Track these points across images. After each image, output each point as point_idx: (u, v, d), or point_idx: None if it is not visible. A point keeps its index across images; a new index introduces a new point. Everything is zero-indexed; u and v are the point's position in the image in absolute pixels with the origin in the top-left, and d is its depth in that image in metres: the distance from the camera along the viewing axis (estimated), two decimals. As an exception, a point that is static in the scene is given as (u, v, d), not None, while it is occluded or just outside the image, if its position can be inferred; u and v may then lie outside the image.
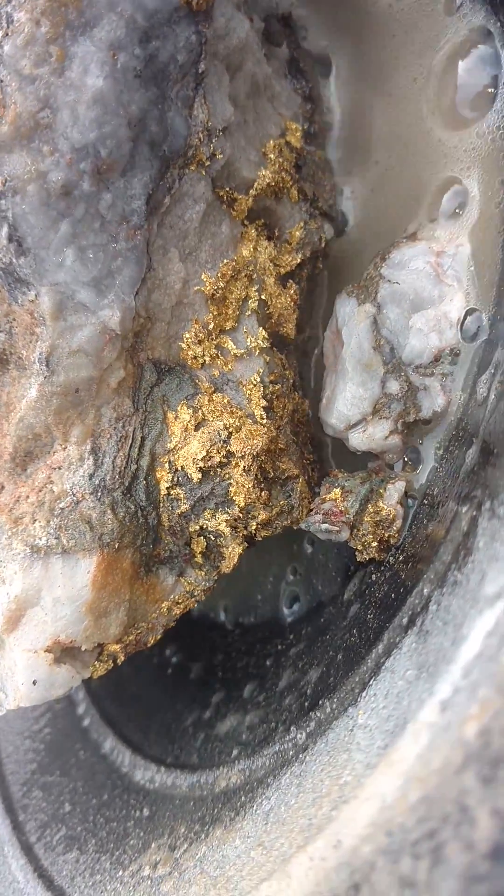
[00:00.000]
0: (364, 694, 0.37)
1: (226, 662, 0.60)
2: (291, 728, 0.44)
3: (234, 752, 0.49)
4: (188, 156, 0.44)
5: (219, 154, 0.44)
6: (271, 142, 0.49)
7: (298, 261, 0.50)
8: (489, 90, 0.46)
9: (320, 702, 0.43)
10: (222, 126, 0.44)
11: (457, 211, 0.47)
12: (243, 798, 0.44)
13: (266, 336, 0.48)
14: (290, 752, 0.42)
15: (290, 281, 0.50)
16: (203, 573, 0.49)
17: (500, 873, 0.22)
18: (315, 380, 0.55)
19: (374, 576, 0.48)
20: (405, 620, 0.38)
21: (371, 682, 0.37)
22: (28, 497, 0.47)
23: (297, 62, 0.54)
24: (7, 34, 0.39)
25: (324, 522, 0.46)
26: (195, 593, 0.49)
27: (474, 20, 0.47)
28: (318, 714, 0.42)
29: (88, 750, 0.62)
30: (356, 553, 0.48)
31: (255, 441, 0.46)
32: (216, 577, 0.49)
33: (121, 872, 0.49)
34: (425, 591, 0.36)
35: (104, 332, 0.45)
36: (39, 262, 0.43)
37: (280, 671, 0.53)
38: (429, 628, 0.34)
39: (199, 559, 0.49)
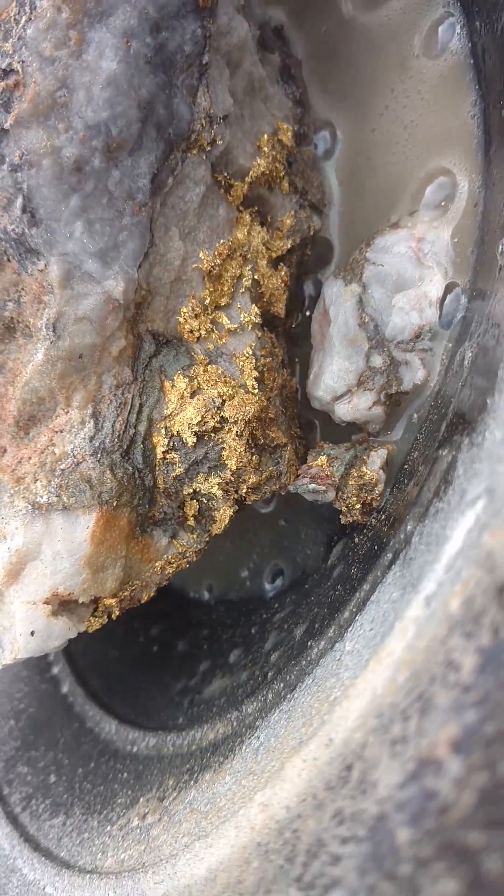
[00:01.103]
0: (350, 629, 0.40)
1: (211, 636, 0.62)
2: (278, 676, 0.47)
3: (222, 708, 0.51)
4: (191, 140, 0.47)
5: (219, 140, 0.48)
6: (265, 136, 0.53)
7: (289, 246, 0.54)
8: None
9: (307, 647, 0.46)
10: (222, 114, 0.48)
11: (441, 203, 0.51)
12: (232, 743, 0.46)
13: (258, 313, 0.51)
14: (281, 694, 0.45)
15: (281, 264, 0.54)
16: (195, 536, 0.52)
17: (484, 682, 0.24)
18: (301, 365, 0.59)
19: (356, 538, 0.51)
20: (388, 557, 0.40)
21: (356, 618, 0.40)
22: (30, 458, 0.50)
23: (289, 69, 0.58)
24: (30, 19, 0.42)
25: (311, 483, 0.49)
26: (187, 555, 0.51)
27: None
28: (305, 658, 0.45)
29: (73, 725, 0.64)
30: (340, 515, 0.50)
31: (247, 408, 0.49)
32: (207, 540, 0.52)
33: (109, 828, 0.51)
34: (408, 528, 0.39)
35: (108, 302, 0.48)
36: (50, 232, 0.46)
37: (266, 635, 0.55)
38: (412, 556, 0.36)
39: (191, 522, 0.52)
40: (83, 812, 0.55)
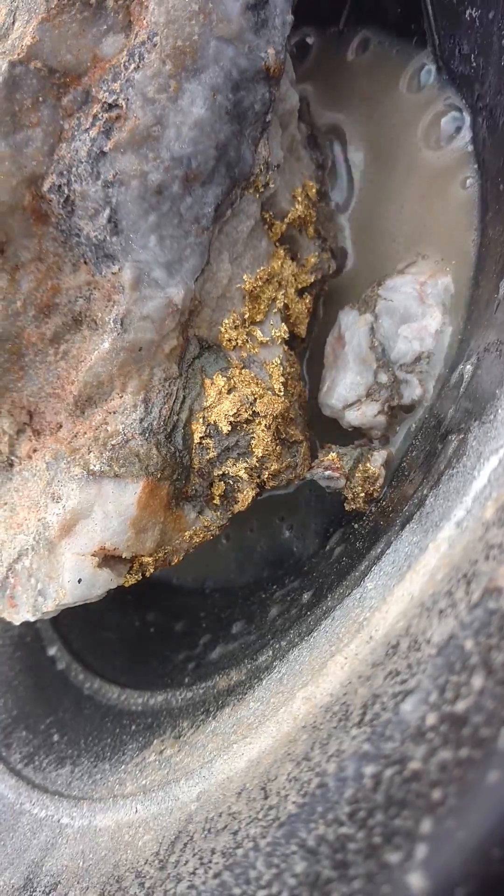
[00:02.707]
0: (368, 575, 0.49)
1: (209, 616, 0.70)
2: (291, 629, 0.55)
3: (232, 662, 0.58)
4: (249, 181, 0.57)
5: (271, 184, 0.58)
6: (298, 188, 0.64)
7: (312, 280, 0.64)
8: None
9: (318, 604, 0.54)
10: (276, 164, 0.58)
11: (439, 259, 0.62)
12: (250, 683, 0.53)
13: (286, 330, 0.61)
14: (296, 639, 0.53)
15: (306, 293, 0.64)
16: (218, 513, 0.60)
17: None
18: (311, 381, 0.69)
19: (356, 525, 0.60)
20: (400, 521, 0.50)
21: (373, 568, 0.49)
22: (85, 433, 0.58)
23: (315, 137, 0.69)
24: (139, 67, 0.52)
25: (326, 470, 0.58)
26: (211, 528, 0.59)
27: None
28: (319, 609, 0.53)
29: (72, 694, 0.69)
30: (345, 503, 0.60)
31: (274, 406, 0.58)
32: (229, 517, 0.60)
33: (123, 766, 0.57)
34: (421, 495, 0.49)
35: (169, 306, 0.57)
36: (128, 242, 0.55)
37: (267, 609, 0.63)
38: (429, 510, 0.46)
39: (216, 501, 0.60)
40: (92, 761, 0.60)
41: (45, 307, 0.57)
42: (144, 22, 0.52)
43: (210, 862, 0.39)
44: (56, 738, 0.65)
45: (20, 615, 0.57)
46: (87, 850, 0.51)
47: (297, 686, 0.45)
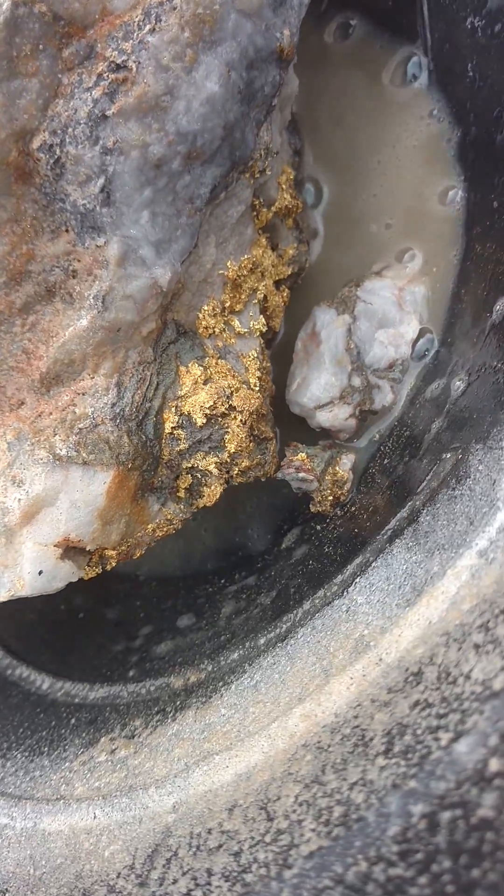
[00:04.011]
0: (352, 587, 0.48)
1: (147, 605, 0.67)
2: (259, 632, 0.54)
3: (187, 661, 0.57)
4: (247, 165, 0.55)
5: (267, 171, 0.56)
6: (283, 176, 0.62)
7: (289, 272, 0.62)
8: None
9: (288, 608, 0.53)
10: (275, 150, 0.56)
11: (418, 267, 0.62)
12: (214, 685, 0.52)
13: (264, 323, 0.59)
14: (268, 645, 0.51)
15: (283, 285, 0.62)
16: (181, 507, 0.58)
17: None
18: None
19: (318, 526, 0.60)
20: (387, 534, 0.49)
21: (357, 580, 0.48)
22: (51, 414, 0.54)
23: (296, 122, 0.67)
24: (154, 29, 0.48)
25: (300, 472, 0.57)
26: (173, 522, 0.57)
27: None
28: (290, 617, 0.52)
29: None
30: (311, 504, 0.59)
31: (251, 402, 0.56)
32: (192, 511, 0.58)
33: (67, 764, 0.54)
34: (413, 508, 0.49)
35: (153, 287, 0.53)
36: (119, 215, 0.52)
37: (218, 605, 0.62)
38: (426, 529, 0.46)
39: (181, 494, 0.58)
40: (27, 755, 0.57)
41: (17, 273, 0.53)
42: (165, -19, 0.48)
43: (210, 884, 0.38)
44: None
45: (-35, 602, 0.53)
46: (38, 855, 0.48)
47: (288, 699, 0.45)
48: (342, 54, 0.70)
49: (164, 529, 0.57)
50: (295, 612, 0.52)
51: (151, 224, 0.52)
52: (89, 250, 0.52)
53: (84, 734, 0.56)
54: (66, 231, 0.53)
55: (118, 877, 0.43)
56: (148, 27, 0.49)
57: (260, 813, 0.39)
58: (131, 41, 0.49)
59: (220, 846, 0.40)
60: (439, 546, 0.43)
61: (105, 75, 0.49)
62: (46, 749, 0.56)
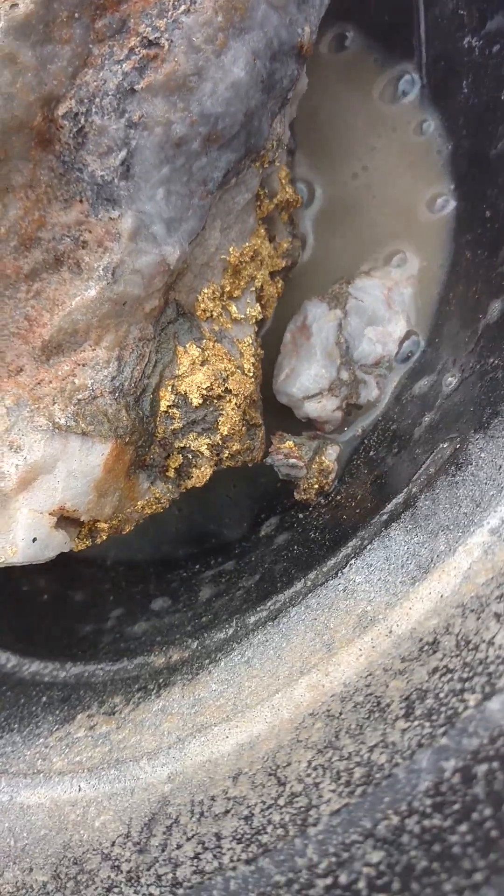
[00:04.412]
0: (346, 569, 0.49)
1: (116, 589, 0.67)
2: (246, 612, 0.54)
3: (167, 640, 0.57)
4: (259, 154, 0.56)
5: (276, 162, 0.57)
6: (282, 171, 0.63)
7: (283, 265, 0.64)
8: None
9: (276, 589, 0.54)
10: (285, 143, 0.58)
11: (405, 269, 0.64)
12: (201, 662, 0.52)
13: (260, 311, 0.60)
14: (257, 624, 0.52)
15: (277, 277, 0.64)
16: (169, 486, 0.58)
17: None
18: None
19: (300, 514, 0.61)
20: (382, 518, 0.51)
21: (353, 562, 0.50)
22: (50, 382, 0.54)
23: (292, 123, 0.69)
24: (189, 10, 0.49)
25: (289, 458, 0.58)
26: (161, 500, 0.57)
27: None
28: (279, 597, 0.53)
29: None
30: (296, 492, 0.60)
31: (246, 386, 0.57)
32: (179, 492, 0.58)
33: (42, 740, 0.53)
34: (409, 494, 0.50)
35: (161, 264, 0.54)
36: (136, 189, 0.52)
37: (195, 588, 0.62)
38: (426, 512, 0.47)
39: (170, 473, 0.58)
40: (-7, 731, 0.56)
41: (27, 239, 0.52)
42: (202, -37, 0.49)
43: (220, 847, 0.38)
44: None
45: None
46: (17, 827, 0.47)
47: (287, 673, 0.45)
48: (336, 65, 0.72)
49: (153, 507, 0.57)
50: (283, 593, 0.53)
51: (165, 202, 0.53)
52: (102, 222, 0.53)
53: (58, 712, 0.55)
54: (80, 201, 0.53)
55: (113, 845, 0.43)
56: (183, 7, 0.50)
57: (269, 779, 0.40)
58: (165, 19, 0.49)
59: (228, 811, 0.40)
60: (443, 527, 0.45)
61: (137, 50, 0.49)
62: (17, 726, 0.55)
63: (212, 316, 0.58)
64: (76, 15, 0.48)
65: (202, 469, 0.58)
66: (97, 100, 0.50)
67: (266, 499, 0.66)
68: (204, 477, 0.58)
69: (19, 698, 0.58)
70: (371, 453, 0.60)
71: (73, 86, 0.50)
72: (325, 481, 0.59)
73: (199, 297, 0.58)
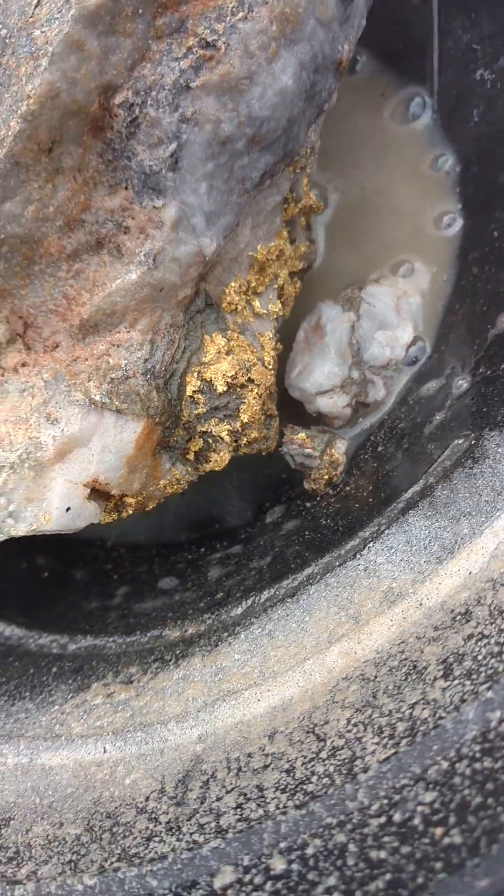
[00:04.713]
0: (364, 551, 0.52)
1: (120, 569, 0.69)
2: (263, 590, 0.57)
3: (180, 615, 0.59)
4: (293, 160, 0.59)
5: (308, 168, 0.61)
6: (305, 179, 0.67)
7: (300, 267, 0.67)
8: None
9: (289, 570, 0.57)
10: (316, 151, 0.61)
11: (413, 280, 0.68)
12: (217, 637, 0.55)
13: (281, 307, 0.63)
14: (273, 601, 0.55)
15: (295, 278, 0.67)
16: (188, 469, 0.60)
17: None
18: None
19: (307, 503, 0.64)
20: (398, 507, 0.54)
21: (371, 545, 0.53)
22: (86, 360, 0.55)
23: (309, 134, 0.72)
24: (247, 18, 0.52)
25: (304, 448, 0.61)
26: (181, 482, 0.60)
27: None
28: (294, 577, 0.55)
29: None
30: (305, 482, 0.63)
31: (267, 377, 0.60)
32: (197, 475, 0.61)
33: (57, 707, 0.55)
34: (425, 484, 0.54)
35: (198, 255, 0.57)
36: (182, 182, 0.55)
37: (203, 569, 0.64)
38: (445, 501, 0.51)
39: (190, 456, 0.60)
40: (5, 699, 0.56)
41: (72, 220, 0.54)
42: (260, -25, 0.53)
43: (264, 797, 0.41)
44: None
45: (-25, 534, 0.53)
46: (41, 786, 0.49)
47: (314, 643, 0.48)
48: (347, 86, 0.76)
49: (174, 487, 0.59)
50: (299, 573, 0.56)
51: (207, 196, 0.56)
52: (146, 210, 0.55)
53: (71, 681, 0.56)
54: (126, 188, 0.55)
55: (147, 800, 0.45)
56: (241, 14, 0.53)
57: (307, 736, 0.42)
58: (224, 23, 0.52)
59: (267, 766, 0.42)
60: (464, 513, 0.49)
61: (194, 49, 0.52)
62: (28, 694, 0.56)
63: (236, 309, 0.61)
64: (140, 11, 0.51)
65: (221, 454, 0.60)
66: (153, 93, 0.52)
67: (271, 488, 0.69)
68: (223, 462, 0.60)
69: (28, 668, 0.59)
70: (379, 448, 0.63)
71: (130, 77, 0.52)
72: (334, 473, 0.62)
73: (226, 290, 0.60)
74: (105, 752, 0.49)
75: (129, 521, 0.66)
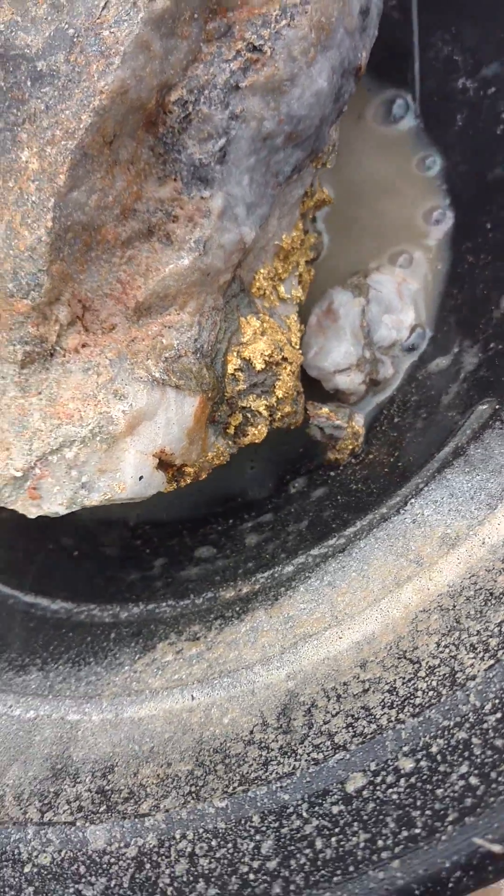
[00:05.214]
0: (407, 506, 0.58)
1: (148, 544, 0.72)
2: (309, 549, 0.61)
3: (230, 577, 0.63)
4: (317, 156, 0.65)
5: (328, 164, 0.66)
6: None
7: (311, 257, 0.73)
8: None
9: (331, 530, 0.62)
10: (336, 148, 0.67)
11: (412, 268, 0.75)
12: (275, 592, 0.59)
13: (302, 292, 0.69)
14: (322, 558, 0.60)
15: (309, 265, 0.72)
16: (228, 442, 0.65)
17: None
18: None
19: (331, 472, 0.69)
20: (432, 467, 0.60)
21: (413, 500, 0.59)
22: (143, 340, 0.59)
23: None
24: (290, 25, 0.58)
25: (332, 420, 0.66)
26: (223, 454, 0.64)
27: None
28: (339, 535, 0.61)
29: (6, 606, 0.66)
30: (330, 452, 0.69)
31: (297, 356, 0.66)
32: (237, 447, 0.65)
33: (126, 668, 0.58)
34: (455, 446, 0.60)
35: (240, 242, 0.61)
36: (228, 174, 0.59)
37: (238, 538, 0.68)
38: (481, 457, 0.57)
39: (231, 430, 0.65)
40: (69, 666, 0.59)
41: (127, 209, 0.58)
42: (299, -12, 0.58)
43: (372, 715, 0.46)
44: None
45: (47, 507, 0.56)
46: (136, 736, 0.52)
47: (381, 587, 0.53)
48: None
49: (219, 459, 0.64)
50: (342, 532, 0.61)
51: (249, 187, 0.60)
52: (194, 200, 0.59)
53: (133, 644, 0.60)
54: (175, 179, 0.59)
55: (251, 733, 0.49)
56: (284, 22, 0.58)
57: (399, 661, 0.48)
58: (269, 30, 0.57)
59: (367, 690, 0.47)
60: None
61: (243, 53, 0.57)
62: (93, 659, 0.59)
63: (264, 294, 0.66)
64: (195, 15, 0.55)
65: (259, 427, 0.65)
66: (206, 91, 0.57)
67: (289, 462, 0.74)
68: (261, 435, 0.65)
69: (85, 637, 0.62)
70: (396, 420, 0.69)
71: (184, 77, 0.56)
72: (356, 443, 0.68)
73: (256, 276, 0.65)
74: (193, 699, 0.53)
75: (148, 501, 0.70)
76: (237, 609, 0.59)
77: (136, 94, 0.54)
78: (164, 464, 0.58)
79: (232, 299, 0.64)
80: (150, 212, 0.59)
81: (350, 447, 0.68)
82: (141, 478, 0.55)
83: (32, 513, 0.56)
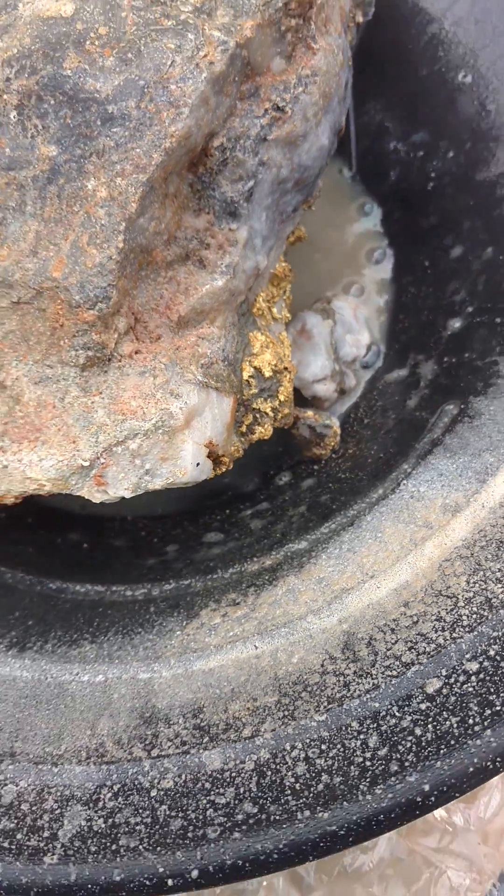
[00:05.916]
0: (402, 485, 0.71)
1: (154, 535, 0.79)
2: (317, 527, 0.73)
3: (243, 554, 0.73)
4: (307, 200, 0.78)
5: (313, 207, 0.79)
6: (284, 214, 0.85)
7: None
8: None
9: (332, 511, 0.73)
10: (321, 193, 0.80)
11: (363, 297, 0.89)
12: (298, 562, 0.69)
13: (288, 314, 0.81)
14: (333, 533, 0.71)
15: (287, 292, 0.84)
16: (241, 439, 0.75)
17: None
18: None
19: (314, 466, 0.81)
20: (414, 455, 0.74)
21: (405, 481, 0.72)
22: (185, 349, 0.69)
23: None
24: (305, 91, 0.70)
25: (321, 420, 0.78)
26: (239, 449, 0.74)
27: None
28: (343, 512, 0.73)
29: (25, 594, 0.72)
30: (315, 448, 0.80)
31: (292, 367, 0.77)
32: (249, 443, 0.76)
33: (178, 633, 0.65)
34: (432, 438, 0.74)
35: (255, 268, 0.73)
36: (252, 211, 0.71)
37: (241, 523, 0.78)
38: (460, 443, 0.71)
39: (243, 429, 0.75)
40: (119, 638, 0.64)
41: (171, 236, 0.68)
42: (310, 63, 0.71)
43: (428, 639, 0.58)
44: (38, 627, 0.67)
45: (113, 492, 0.64)
46: (213, 682, 0.60)
47: (400, 548, 0.66)
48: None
49: (238, 453, 0.74)
50: (344, 511, 0.72)
51: (265, 223, 0.72)
52: (223, 231, 0.70)
53: (175, 614, 0.67)
54: (208, 213, 0.69)
55: (323, 665, 0.59)
56: (300, 89, 0.70)
57: (438, 598, 0.60)
58: (290, 94, 0.70)
59: (416, 622, 0.59)
60: (484, 449, 0.69)
61: (269, 111, 0.69)
62: (141, 630, 0.66)
63: (262, 314, 0.77)
64: (235, 78, 0.67)
65: (266, 426, 0.76)
66: (241, 141, 0.68)
67: (271, 458, 0.84)
68: (268, 433, 0.76)
69: (125, 613, 0.68)
70: (366, 421, 0.82)
71: (224, 127, 0.67)
72: (334, 441, 0.81)
73: (257, 298, 0.77)
74: (256, 647, 0.62)
75: (137, 499, 0.78)
76: (266, 578, 0.68)
77: (195, 139, 0.64)
78: (210, 453, 0.68)
79: (241, 317, 0.75)
80: (187, 239, 0.69)
81: (332, 444, 0.80)
82: (198, 464, 0.65)
83: (97, 498, 0.64)
